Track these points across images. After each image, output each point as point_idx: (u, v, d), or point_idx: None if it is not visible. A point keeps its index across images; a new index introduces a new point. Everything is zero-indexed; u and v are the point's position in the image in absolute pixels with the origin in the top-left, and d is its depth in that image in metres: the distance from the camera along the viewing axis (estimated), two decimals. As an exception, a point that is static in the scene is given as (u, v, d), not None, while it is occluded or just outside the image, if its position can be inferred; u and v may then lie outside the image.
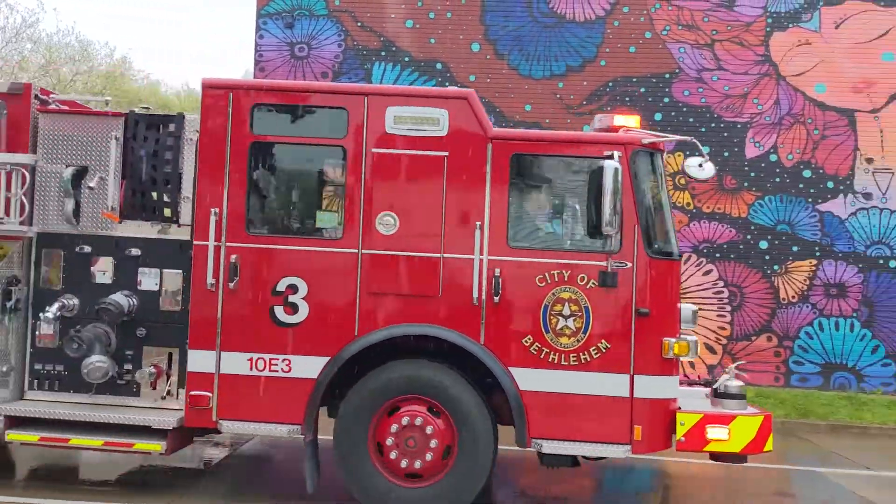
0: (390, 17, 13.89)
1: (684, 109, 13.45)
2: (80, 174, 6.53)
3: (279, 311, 6.15)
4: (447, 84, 13.28)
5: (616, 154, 5.91)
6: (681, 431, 6.04)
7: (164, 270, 6.50)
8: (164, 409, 6.41)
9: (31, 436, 6.27)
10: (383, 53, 13.85)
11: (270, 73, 13.72)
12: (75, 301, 6.50)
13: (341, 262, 6.16)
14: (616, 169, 5.79)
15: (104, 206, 6.53)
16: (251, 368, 6.15)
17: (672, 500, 7.78)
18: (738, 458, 6.20)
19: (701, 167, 6.26)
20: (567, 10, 13.80)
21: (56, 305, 6.37)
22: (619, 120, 6.45)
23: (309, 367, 6.12)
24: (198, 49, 57.79)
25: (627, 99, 13.55)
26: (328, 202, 6.66)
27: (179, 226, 6.50)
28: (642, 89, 13.56)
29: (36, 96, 6.66)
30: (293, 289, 6.15)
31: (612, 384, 6.03)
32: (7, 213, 6.38)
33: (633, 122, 6.43)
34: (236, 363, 6.16)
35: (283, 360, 6.14)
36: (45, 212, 6.57)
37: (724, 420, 6.07)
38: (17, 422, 6.34)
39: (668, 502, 7.72)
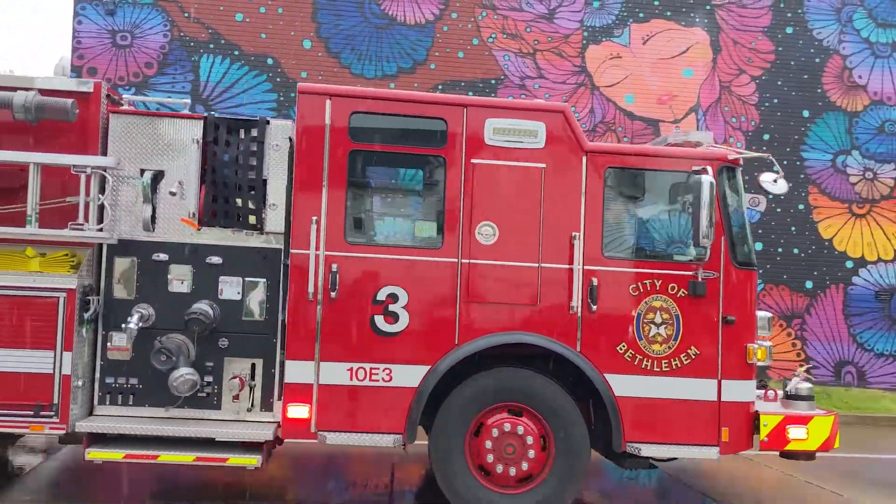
0: (219, 10, 13.86)
1: (509, 115, 14.22)
2: (156, 178, 6.27)
3: (379, 321, 6.11)
4: (278, 80, 13.56)
5: (709, 168, 6.21)
6: (764, 432, 6.38)
7: (247, 279, 6.34)
8: (251, 421, 6.24)
9: (116, 453, 5.94)
10: (212, 46, 13.81)
11: (90, 60, 13.41)
12: (151, 311, 6.23)
13: (441, 272, 6.18)
14: (711, 183, 6.07)
15: (182, 212, 6.29)
16: (351, 378, 6.08)
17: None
18: (808, 455, 6.61)
19: (775, 182, 6.64)
20: (398, 13, 14.26)
21: (136, 316, 6.08)
22: (696, 136, 6.74)
23: (410, 376, 6.11)
24: (4, 31, 54.12)
25: (456, 102, 14.28)
26: (427, 211, 6.66)
27: (264, 234, 6.34)
28: (470, 93, 14.07)
29: (108, 96, 6.34)
30: (393, 298, 6.12)
31: (701, 389, 6.31)
32: (86, 218, 6.05)
33: (710, 139, 6.74)
34: (336, 373, 6.08)
35: (384, 369, 6.10)
36: (118, 217, 6.27)
37: (803, 420, 6.46)
38: (93, 439, 6.04)
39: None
